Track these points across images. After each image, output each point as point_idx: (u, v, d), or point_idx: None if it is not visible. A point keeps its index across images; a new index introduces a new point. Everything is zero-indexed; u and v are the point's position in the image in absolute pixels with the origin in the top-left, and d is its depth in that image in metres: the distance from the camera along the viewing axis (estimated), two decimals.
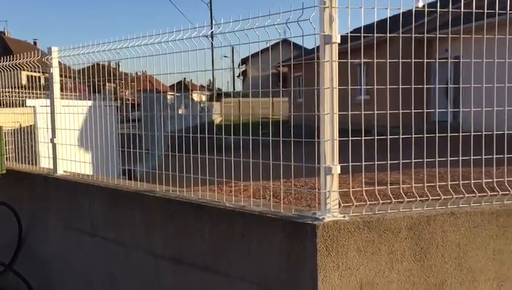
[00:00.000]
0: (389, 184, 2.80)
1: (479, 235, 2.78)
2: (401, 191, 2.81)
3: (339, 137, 2.64)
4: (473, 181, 2.91)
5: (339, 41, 2.60)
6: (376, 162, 2.74)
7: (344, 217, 2.66)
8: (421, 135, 2.85)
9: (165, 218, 3.44)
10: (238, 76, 43.52)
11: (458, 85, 3.71)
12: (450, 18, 2.96)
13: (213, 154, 3.24)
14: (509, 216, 2.81)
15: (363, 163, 2.72)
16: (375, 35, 2.68)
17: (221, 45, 3.40)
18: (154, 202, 3.50)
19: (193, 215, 3.23)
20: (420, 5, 4.88)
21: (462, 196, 2.83)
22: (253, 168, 3.01)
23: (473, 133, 2.93)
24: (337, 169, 2.65)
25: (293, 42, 3.14)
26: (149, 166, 4.51)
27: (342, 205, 2.72)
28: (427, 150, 2.85)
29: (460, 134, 2.91)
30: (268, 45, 3.12)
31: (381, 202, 2.74)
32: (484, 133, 2.95)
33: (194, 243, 3.23)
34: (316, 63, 2.66)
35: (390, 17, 2.78)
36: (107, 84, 5.32)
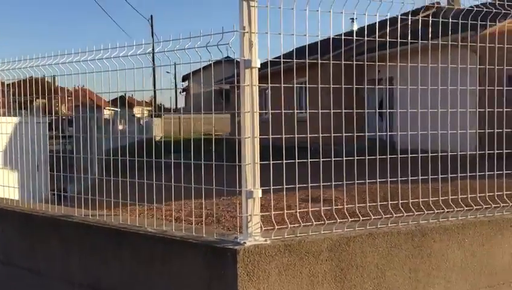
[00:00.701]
0: (314, 202, 2.83)
1: (396, 255, 2.87)
2: (333, 211, 2.88)
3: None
4: (400, 201, 3.02)
5: (258, 66, 2.62)
6: (297, 185, 2.77)
7: (265, 240, 2.65)
8: (351, 157, 2.91)
9: (83, 245, 3.26)
10: (181, 92, 43.12)
11: (386, 109, 3.87)
12: (376, 45, 3.08)
13: (147, 173, 3.10)
14: (423, 236, 2.92)
15: (284, 186, 2.73)
16: (295, 60, 2.73)
17: (160, 64, 3.29)
18: (72, 228, 3.31)
19: (113, 241, 3.08)
20: (355, 28, 5.02)
21: (379, 217, 2.92)
22: (185, 188, 2.94)
23: (399, 156, 3.05)
24: (258, 193, 2.64)
25: (237, 60, 3.13)
26: (83, 186, 4.28)
27: (264, 228, 2.70)
28: (361, 168, 2.94)
29: (388, 156, 3.01)
30: (210, 62, 3.07)
31: (302, 224, 2.76)
32: (420, 155, 3.06)
33: (113, 271, 3.08)
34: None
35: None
36: (35, 99, 5.04)
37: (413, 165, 3.06)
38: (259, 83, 2.65)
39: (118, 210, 3.29)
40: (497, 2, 3.36)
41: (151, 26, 31.29)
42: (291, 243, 2.66)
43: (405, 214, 2.97)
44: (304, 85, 3.09)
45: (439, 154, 3.09)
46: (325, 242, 2.72)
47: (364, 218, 2.89)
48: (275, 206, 3.73)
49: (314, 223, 2.75)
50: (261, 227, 2.68)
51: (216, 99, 4.23)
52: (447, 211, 3.05)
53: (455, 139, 3.32)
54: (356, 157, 2.93)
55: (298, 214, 2.76)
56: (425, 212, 2.99)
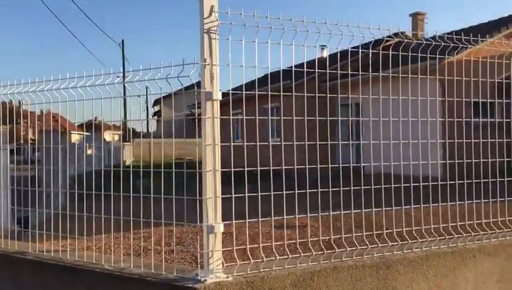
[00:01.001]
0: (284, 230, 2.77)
1: (361, 289, 2.83)
2: (297, 244, 2.81)
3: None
4: (364, 233, 3.00)
5: (220, 98, 2.59)
6: (260, 218, 2.72)
7: (227, 277, 2.56)
8: (314, 190, 2.89)
9: (37, 284, 3.08)
10: (153, 116, 42.82)
11: (358, 141, 3.89)
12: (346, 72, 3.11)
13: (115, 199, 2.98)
14: (388, 268, 2.90)
15: (247, 220, 2.68)
16: (256, 92, 2.72)
17: (130, 94, 3.22)
18: (26, 265, 3.13)
19: (67, 280, 2.93)
20: (325, 55, 5.08)
21: (344, 249, 2.88)
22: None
23: (373, 187, 3.05)
24: (219, 227, 2.57)
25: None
26: (48, 212, 4.09)
27: (225, 264, 2.62)
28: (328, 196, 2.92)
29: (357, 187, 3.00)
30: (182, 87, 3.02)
31: (265, 259, 2.69)
32: (393, 185, 3.07)
33: None
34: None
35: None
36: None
37: (385, 191, 3.08)
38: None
39: (82, 240, 3.14)
40: (457, 36, 3.47)
41: (122, 50, 31.07)
42: (254, 280, 2.58)
43: (369, 246, 2.95)
44: (268, 118, 3.07)
45: (412, 184, 3.11)
46: (289, 277, 2.66)
47: (328, 251, 2.85)
48: (240, 238, 3.68)
49: (278, 257, 2.69)
50: (222, 263, 2.60)
51: (188, 124, 4.17)
52: (412, 242, 3.05)
53: (424, 166, 3.38)
54: (331, 189, 2.91)
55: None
56: (389, 244, 2.97)
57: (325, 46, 3.59)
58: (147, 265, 2.79)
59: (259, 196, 2.71)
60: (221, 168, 2.60)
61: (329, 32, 2.94)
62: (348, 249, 2.88)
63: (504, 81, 4.05)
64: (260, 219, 2.72)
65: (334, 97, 3.60)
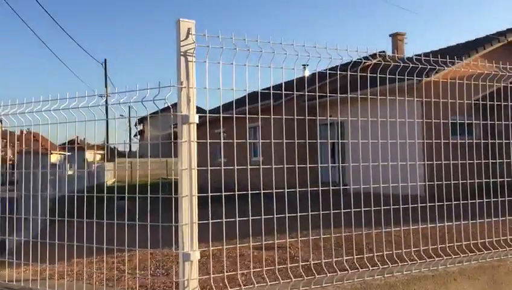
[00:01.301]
0: (267, 251, 2.70)
1: None
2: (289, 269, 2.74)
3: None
4: (345, 257, 2.96)
5: (196, 121, 2.55)
6: (238, 245, 2.65)
7: None
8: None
9: None
10: (135, 135, 42.49)
11: (340, 163, 3.87)
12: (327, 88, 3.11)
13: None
14: None
15: (224, 247, 2.61)
16: (234, 113, 2.69)
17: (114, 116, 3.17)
18: None
19: None
20: (307, 74, 5.10)
21: (324, 275, 2.83)
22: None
23: (352, 210, 3.01)
24: (195, 255, 2.50)
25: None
26: (27, 234, 3.95)
27: None
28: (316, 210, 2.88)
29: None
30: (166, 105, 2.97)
31: (243, 288, 2.62)
32: (373, 208, 3.05)
33: None
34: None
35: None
36: None
37: (367, 212, 3.07)
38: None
39: (58, 265, 3.03)
40: (434, 58, 3.51)
41: (105, 70, 30.88)
42: None
43: (350, 271, 2.90)
44: (246, 141, 3.04)
45: (391, 206, 3.10)
46: None
47: (308, 277, 2.79)
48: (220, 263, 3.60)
49: (256, 285, 2.63)
50: None
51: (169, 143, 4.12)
52: (392, 266, 3.01)
53: (406, 185, 3.39)
54: (322, 212, 2.87)
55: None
56: (370, 268, 2.93)
57: (306, 65, 3.60)
58: None
59: (237, 221, 2.65)
60: (202, 189, 2.56)
61: (308, 55, 2.95)
62: (328, 274, 2.83)
63: (481, 102, 4.11)
64: (238, 245, 2.65)
65: (318, 117, 3.60)
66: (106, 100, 3.29)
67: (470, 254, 3.26)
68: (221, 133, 2.72)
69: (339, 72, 3.12)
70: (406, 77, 3.30)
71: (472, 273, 3.12)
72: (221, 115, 2.69)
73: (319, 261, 2.89)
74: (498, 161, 4.51)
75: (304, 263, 2.87)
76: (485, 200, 3.59)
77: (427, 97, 3.68)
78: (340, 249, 3.04)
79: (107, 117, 3.56)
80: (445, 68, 3.86)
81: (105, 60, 31.49)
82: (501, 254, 3.36)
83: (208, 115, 2.74)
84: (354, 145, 3.35)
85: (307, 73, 4.02)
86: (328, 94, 3.27)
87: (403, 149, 3.47)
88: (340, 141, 4.91)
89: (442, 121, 3.90)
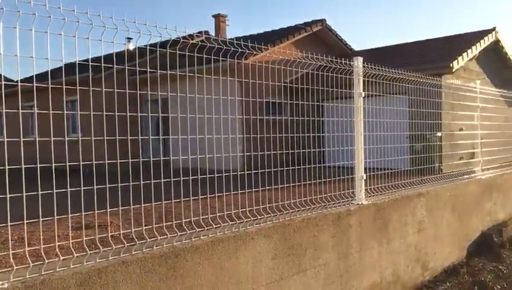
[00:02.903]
0: (86, 229, 2.73)
1: (150, 279, 2.96)
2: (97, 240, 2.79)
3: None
4: (164, 224, 3.15)
5: None
6: (41, 219, 2.65)
7: (2, 284, 2.43)
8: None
9: None
10: None
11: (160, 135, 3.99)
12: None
13: None
14: (176, 257, 3.10)
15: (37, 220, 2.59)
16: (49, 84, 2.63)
17: None
18: None
19: None
20: (131, 47, 5.09)
21: (133, 243, 3.00)
22: None
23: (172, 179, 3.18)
24: None
25: None
26: None
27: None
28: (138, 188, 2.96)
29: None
30: None
31: (47, 261, 2.64)
32: (194, 176, 3.24)
33: None
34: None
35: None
36: None
37: (188, 184, 3.29)
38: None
39: None
40: (251, 43, 3.86)
41: None
42: (33, 284, 2.49)
43: (159, 238, 3.12)
44: (63, 112, 2.98)
45: (207, 175, 3.37)
46: (73, 277, 2.62)
47: (117, 247, 2.93)
48: (32, 243, 3.51)
49: (61, 257, 2.67)
50: None
51: None
52: (199, 230, 3.33)
53: (227, 159, 3.72)
54: (143, 184, 2.96)
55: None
56: (178, 234, 3.20)
57: (130, 38, 3.63)
58: None
59: (55, 195, 2.63)
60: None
61: (127, 29, 3.00)
62: (138, 242, 3.01)
63: (289, 85, 4.69)
64: (56, 217, 2.64)
65: (143, 92, 3.67)
66: None
67: (265, 216, 3.77)
68: (35, 106, 2.64)
69: (164, 49, 3.23)
70: (228, 59, 3.58)
71: (267, 232, 3.60)
72: (35, 85, 2.60)
73: (129, 231, 3.05)
74: (304, 135, 5.24)
75: (113, 234, 2.99)
76: (290, 168, 4.19)
77: (245, 78, 4.04)
78: (161, 222, 3.25)
79: None
80: (261, 53, 4.30)
81: None
82: (291, 215, 3.96)
83: (19, 84, 2.61)
84: (176, 121, 3.53)
85: (131, 47, 4.04)
86: (149, 70, 3.36)
87: (224, 125, 3.80)
88: (161, 115, 5.09)
89: (258, 100, 4.35)
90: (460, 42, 14.51)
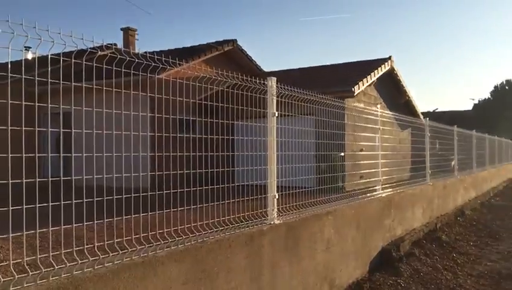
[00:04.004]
0: None
1: None
2: None
3: None
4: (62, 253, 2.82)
5: None
6: None
7: None
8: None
9: None
10: None
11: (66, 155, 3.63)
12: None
13: None
14: (76, 288, 2.76)
15: None
16: None
17: None
18: None
19: None
20: (30, 57, 4.59)
21: (25, 274, 2.63)
22: None
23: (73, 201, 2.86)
24: None
25: None
26: None
27: None
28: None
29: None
30: None
31: None
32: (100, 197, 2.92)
33: None
34: None
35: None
36: None
37: (92, 204, 3.02)
38: None
39: None
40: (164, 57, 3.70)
41: None
42: None
43: (56, 267, 2.79)
44: None
45: (114, 196, 3.10)
46: None
47: (5, 279, 2.55)
48: None
49: None
50: None
51: None
52: (104, 257, 3.04)
53: (135, 178, 3.45)
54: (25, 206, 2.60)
55: None
56: (79, 261, 2.90)
57: (29, 47, 3.27)
58: None
59: None
60: None
61: (26, 35, 2.71)
62: (31, 273, 2.66)
63: (203, 102, 4.59)
64: None
65: (43, 105, 3.31)
66: None
67: (177, 239, 3.54)
68: None
69: (68, 58, 2.96)
70: (138, 72, 3.39)
71: (179, 256, 3.39)
72: None
73: (20, 260, 2.69)
74: (215, 154, 5.16)
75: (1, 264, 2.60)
76: (202, 188, 4.06)
77: (157, 94, 3.86)
78: (59, 248, 2.90)
79: None
80: (174, 68, 4.15)
81: None
82: (204, 236, 3.77)
83: None
84: (80, 137, 3.23)
85: (30, 56, 3.67)
86: (50, 80, 3.06)
87: (132, 142, 3.56)
88: (62, 131, 4.53)
89: (171, 117, 4.19)
90: (361, 68, 15.67)
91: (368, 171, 7.61)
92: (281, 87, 5.00)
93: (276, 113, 4.80)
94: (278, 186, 4.96)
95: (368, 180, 7.66)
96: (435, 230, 9.53)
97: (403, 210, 8.52)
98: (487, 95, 53.42)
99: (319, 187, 6.14)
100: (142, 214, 3.39)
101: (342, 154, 8.47)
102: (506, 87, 52.29)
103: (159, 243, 3.39)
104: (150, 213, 3.48)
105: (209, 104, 4.56)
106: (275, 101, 4.81)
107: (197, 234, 3.76)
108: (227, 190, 4.33)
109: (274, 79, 4.84)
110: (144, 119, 3.90)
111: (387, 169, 8.31)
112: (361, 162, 7.87)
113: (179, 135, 4.39)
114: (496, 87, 53.04)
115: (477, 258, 7.61)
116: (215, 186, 4.25)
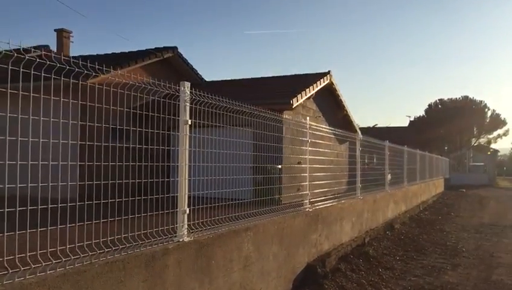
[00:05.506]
0: None
1: None
2: None
3: None
4: None
5: None
6: None
7: None
8: None
9: None
10: None
11: None
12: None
13: None
14: None
15: None
16: None
17: None
18: None
19: None
20: None
21: None
22: None
23: None
24: None
25: None
26: None
27: None
28: None
29: None
30: None
31: None
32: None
33: None
34: None
35: None
36: None
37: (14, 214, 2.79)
38: None
39: None
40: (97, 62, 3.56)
41: None
42: None
43: None
44: None
45: (29, 207, 2.89)
46: None
47: None
48: None
49: None
50: None
51: None
52: (26, 269, 2.76)
53: (63, 188, 3.29)
54: None
55: None
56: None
57: None
58: None
59: None
60: None
61: None
62: None
63: (138, 111, 4.47)
64: None
65: None
66: None
67: (54, 262, 2.99)
68: None
69: None
70: (70, 79, 3.24)
71: (54, 283, 2.86)
72: None
73: None
74: (150, 164, 5.05)
75: None
76: (130, 198, 3.86)
77: (85, 100, 3.70)
78: None
79: None
80: (109, 73, 3.96)
81: None
82: (92, 258, 3.26)
83: None
84: (3, 144, 3.02)
85: None
86: None
87: (58, 150, 3.37)
88: None
89: (103, 125, 4.02)
90: (300, 81, 15.99)
91: (304, 183, 7.63)
92: (195, 94, 4.57)
93: (189, 121, 4.41)
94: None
95: (304, 193, 7.65)
96: (363, 245, 9.51)
97: (331, 224, 8.29)
98: (422, 113, 56.55)
99: (254, 199, 6.04)
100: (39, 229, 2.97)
101: (279, 166, 8.51)
102: (439, 106, 55.56)
103: (27, 267, 2.81)
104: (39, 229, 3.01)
105: (143, 113, 4.46)
106: (188, 108, 4.42)
107: (82, 255, 3.22)
108: (143, 203, 3.96)
109: (187, 84, 4.44)
110: (76, 127, 3.69)
111: (321, 182, 8.35)
112: (298, 175, 7.83)
113: (104, 144, 4.12)
114: (429, 105, 56.26)
115: (402, 273, 7.63)
116: (130, 199, 3.92)
